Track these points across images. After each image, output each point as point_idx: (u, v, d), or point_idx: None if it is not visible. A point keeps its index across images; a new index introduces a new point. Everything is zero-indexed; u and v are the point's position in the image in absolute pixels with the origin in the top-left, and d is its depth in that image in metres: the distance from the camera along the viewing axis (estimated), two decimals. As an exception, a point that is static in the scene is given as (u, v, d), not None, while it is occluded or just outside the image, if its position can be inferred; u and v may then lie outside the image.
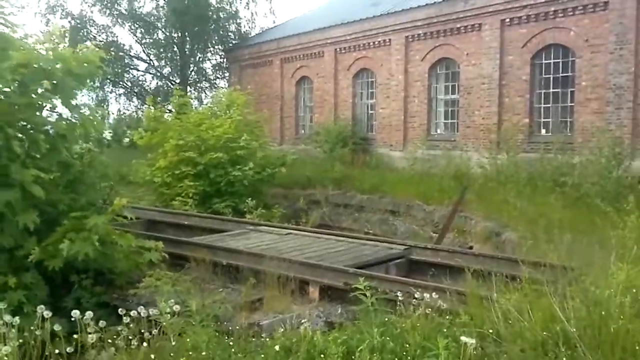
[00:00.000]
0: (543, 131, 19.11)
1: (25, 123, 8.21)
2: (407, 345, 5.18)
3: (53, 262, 7.89)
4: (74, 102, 9.19)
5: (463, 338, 4.60)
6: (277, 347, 5.43)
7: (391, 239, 10.62)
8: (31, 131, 8.14)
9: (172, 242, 10.52)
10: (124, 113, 37.29)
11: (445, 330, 5.38)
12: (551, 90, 18.82)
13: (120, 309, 6.32)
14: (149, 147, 19.70)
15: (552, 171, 15.93)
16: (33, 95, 8.00)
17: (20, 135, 8.17)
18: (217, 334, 6.29)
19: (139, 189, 19.06)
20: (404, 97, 23.24)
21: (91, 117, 9.12)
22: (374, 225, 19.54)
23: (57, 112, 9.27)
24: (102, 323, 6.27)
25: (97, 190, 9.40)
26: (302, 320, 7.31)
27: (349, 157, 23.69)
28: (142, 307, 6.15)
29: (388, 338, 5.36)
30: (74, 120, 9.13)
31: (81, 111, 8.90)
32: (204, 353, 5.31)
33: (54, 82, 8.53)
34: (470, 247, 10.78)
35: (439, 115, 22.70)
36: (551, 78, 18.80)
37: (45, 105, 8.86)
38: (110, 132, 32.65)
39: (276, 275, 8.68)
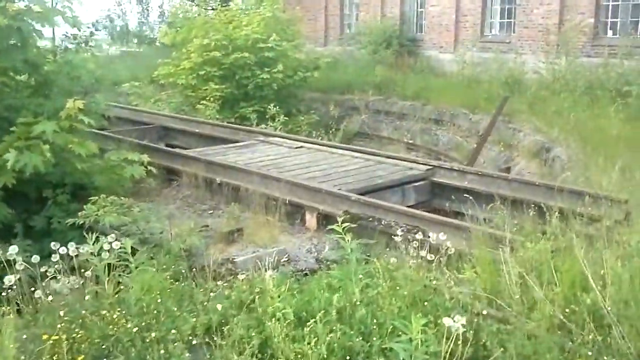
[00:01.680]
0: (609, 33, 16.79)
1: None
2: (380, 314, 3.93)
3: (4, 177, 6.79)
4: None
5: (446, 320, 3.28)
6: (219, 307, 4.25)
7: (413, 157, 9.18)
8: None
9: (167, 154, 9.42)
10: (165, 10, 35.70)
11: (430, 296, 4.08)
12: (623, -15, 16.37)
13: (53, 243, 5.21)
14: (175, 45, 18.37)
15: (615, 79, 13.88)
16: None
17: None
18: (169, 278, 5.17)
19: (166, 91, 18.00)
20: (457, -7, 20.97)
21: (60, 9, 7.79)
22: (415, 135, 18.03)
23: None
24: (35, 258, 5.15)
25: (71, 94, 8.19)
26: (283, 259, 6.13)
27: (393, 60, 21.81)
28: (73, 243, 5.02)
29: (359, 302, 4.11)
30: (39, 9, 7.79)
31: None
32: (117, 312, 4.16)
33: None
34: (508, 168, 9.22)
35: (494, 14, 20.44)
36: (624, -30, 16.31)
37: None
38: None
39: (266, 198, 7.49)
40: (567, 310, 3.77)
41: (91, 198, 8.30)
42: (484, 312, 3.87)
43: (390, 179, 8.16)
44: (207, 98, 16.25)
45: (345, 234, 4.68)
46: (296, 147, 10.08)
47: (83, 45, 8.51)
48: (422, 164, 8.78)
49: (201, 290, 4.86)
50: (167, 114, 12.99)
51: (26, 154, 6.55)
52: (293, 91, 18.52)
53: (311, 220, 7.29)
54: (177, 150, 9.44)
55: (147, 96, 17.91)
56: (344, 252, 4.93)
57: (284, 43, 17.38)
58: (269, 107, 15.01)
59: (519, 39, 19.02)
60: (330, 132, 16.13)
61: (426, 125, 18.05)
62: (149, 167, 8.42)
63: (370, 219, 6.76)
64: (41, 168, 6.72)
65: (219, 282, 5.30)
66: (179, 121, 12.52)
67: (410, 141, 17.80)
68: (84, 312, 4.22)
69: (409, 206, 8.27)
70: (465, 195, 8.21)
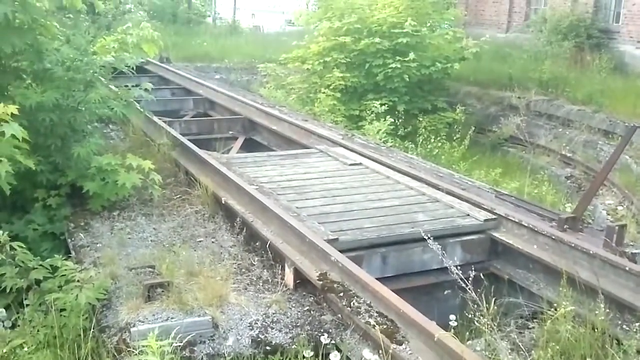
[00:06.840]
0: None
1: None
2: None
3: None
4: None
5: None
6: None
7: (477, 199, 6.67)
8: None
9: (191, 156, 8.07)
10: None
11: None
12: None
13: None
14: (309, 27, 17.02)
15: None
16: None
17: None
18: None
19: (294, 76, 16.73)
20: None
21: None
22: (576, 147, 14.95)
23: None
24: None
25: (69, 87, 7.08)
26: (202, 336, 4.47)
27: (574, 53, 18.45)
28: None
29: None
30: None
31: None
32: None
33: None
34: (621, 227, 6.31)
35: None
36: None
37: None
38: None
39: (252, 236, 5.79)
40: None
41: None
42: None
43: (426, 228, 5.94)
44: (330, 87, 14.72)
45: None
46: (350, 165, 8.14)
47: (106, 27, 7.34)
48: (486, 209, 6.42)
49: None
50: (256, 104, 11.59)
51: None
52: (441, 84, 16.31)
53: (289, 275, 5.46)
54: (202, 152, 8.00)
55: (277, 80, 16.86)
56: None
57: (424, 29, 15.13)
58: (374, 104, 13.01)
59: None
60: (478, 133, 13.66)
61: (593, 136, 14.89)
62: (153, 175, 7.09)
63: (341, 294, 4.79)
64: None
65: None
66: (264, 115, 11.10)
67: (569, 154, 14.79)
68: None
69: (455, 266, 6.08)
70: (531, 265, 5.88)
